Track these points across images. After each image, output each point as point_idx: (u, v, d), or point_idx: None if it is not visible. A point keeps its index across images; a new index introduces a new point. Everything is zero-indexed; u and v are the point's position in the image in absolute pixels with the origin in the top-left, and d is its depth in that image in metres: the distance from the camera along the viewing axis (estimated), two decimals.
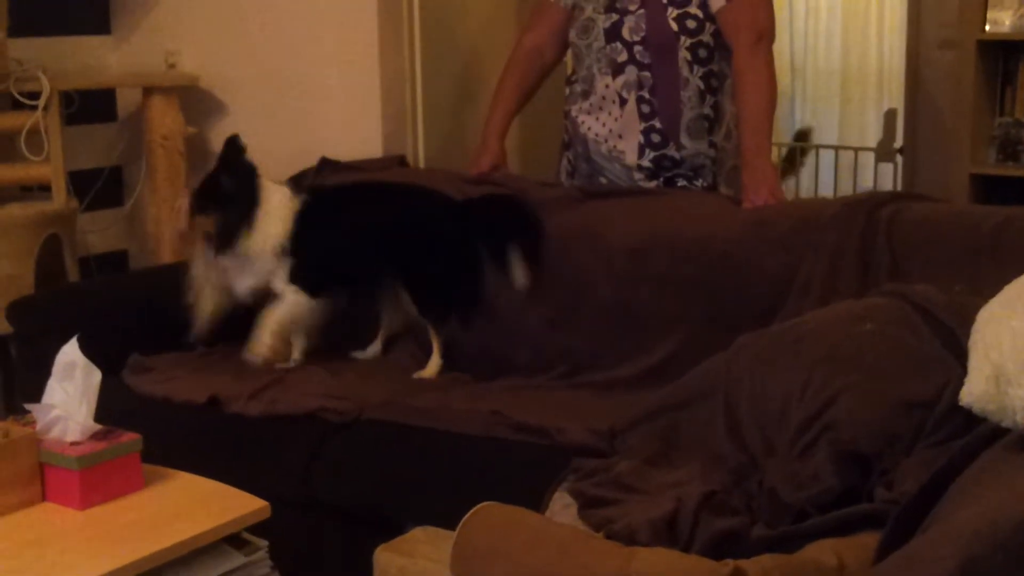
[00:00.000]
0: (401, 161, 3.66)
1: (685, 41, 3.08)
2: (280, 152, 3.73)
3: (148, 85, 3.81)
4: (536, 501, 2.23)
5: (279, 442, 2.71)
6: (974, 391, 1.37)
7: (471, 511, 1.84)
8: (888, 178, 5.33)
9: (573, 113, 3.24)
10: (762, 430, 2.20)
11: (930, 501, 1.50)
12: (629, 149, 3.15)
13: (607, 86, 3.14)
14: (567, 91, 3.29)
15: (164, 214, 3.79)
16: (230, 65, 3.86)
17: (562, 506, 2.24)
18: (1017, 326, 1.36)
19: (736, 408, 2.25)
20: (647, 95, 3.10)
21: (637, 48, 3.09)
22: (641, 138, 3.12)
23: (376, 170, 3.53)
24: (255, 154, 3.82)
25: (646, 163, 3.13)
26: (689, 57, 3.08)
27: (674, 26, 3.07)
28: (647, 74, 3.09)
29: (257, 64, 3.82)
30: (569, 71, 3.34)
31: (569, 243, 3.06)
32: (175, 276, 3.49)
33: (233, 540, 2.15)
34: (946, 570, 1.17)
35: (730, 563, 1.65)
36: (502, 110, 3.38)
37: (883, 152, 5.22)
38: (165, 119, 3.79)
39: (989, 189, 4.16)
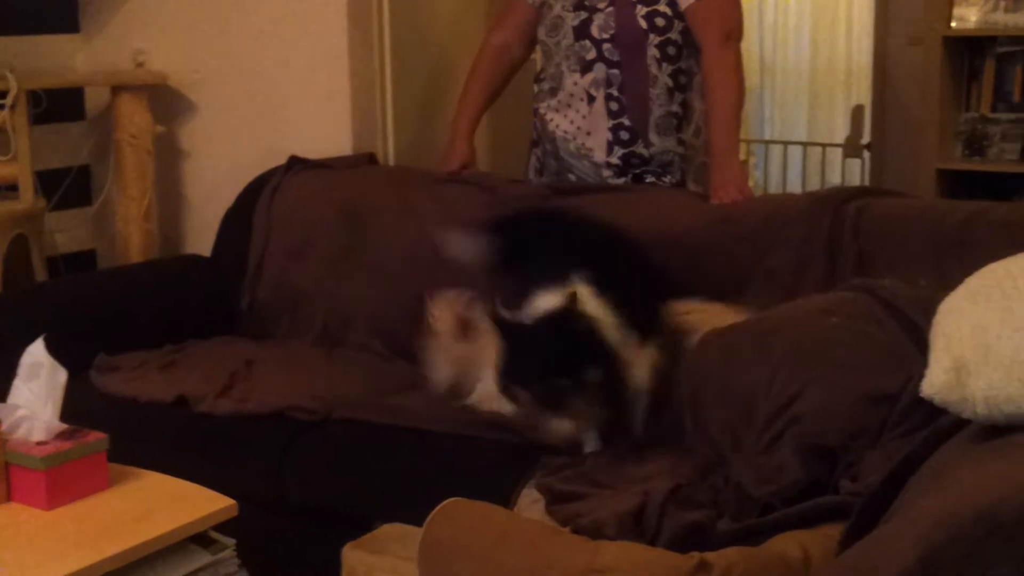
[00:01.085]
0: (371, 159, 3.65)
1: (654, 39, 3.08)
2: (249, 150, 3.73)
3: (116, 84, 3.79)
4: (505, 497, 2.24)
5: (248, 441, 2.71)
6: (935, 383, 1.38)
7: (438, 507, 1.84)
8: (856, 174, 5.36)
9: (541, 111, 3.24)
10: (728, 424, 2.21)
11: (892, 492, 1.51)
12: (598, 146, 3.15)
13: (575, 83, 3.14)
14: (535, 89, 3.30)
15: (132, 213, 3.78)
16: (199, 63, 3.85)
17: (530, 502, 2.24)
18: (977, 318, 1.37)
19: (702, 403, 2.26)
20: (616, 93, 3.11)
21: (606, 46, 3.09)
22: (610, 135, 3.13)
23: (346, 168, 3.53)
24: (223, 153, 3.84)
25: (615, 160, 3.14)
26: (658, 55, 3.09)
27: (643, 24, 3.08)
28: (616, 72, 3.10)
29: (226, 62, 3.80)
30: (537, 69, 3.35)
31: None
32: (143, 275, 3.50)
33: (200, 539, 2.14)
34: (906, 560, 1.18)
35: (696, 556, 1.65)
36: (470, 108, 3.38)
37: (851, 148, 5.24)
38: (134, 118, 3.77)
39: (956, 184, 4.20)
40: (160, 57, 3.89)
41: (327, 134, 3.64)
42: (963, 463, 1.37)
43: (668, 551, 1.75)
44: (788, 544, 1.80)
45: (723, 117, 3.04)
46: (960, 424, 1.46)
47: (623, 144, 3.12)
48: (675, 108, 3.13)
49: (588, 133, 3.15)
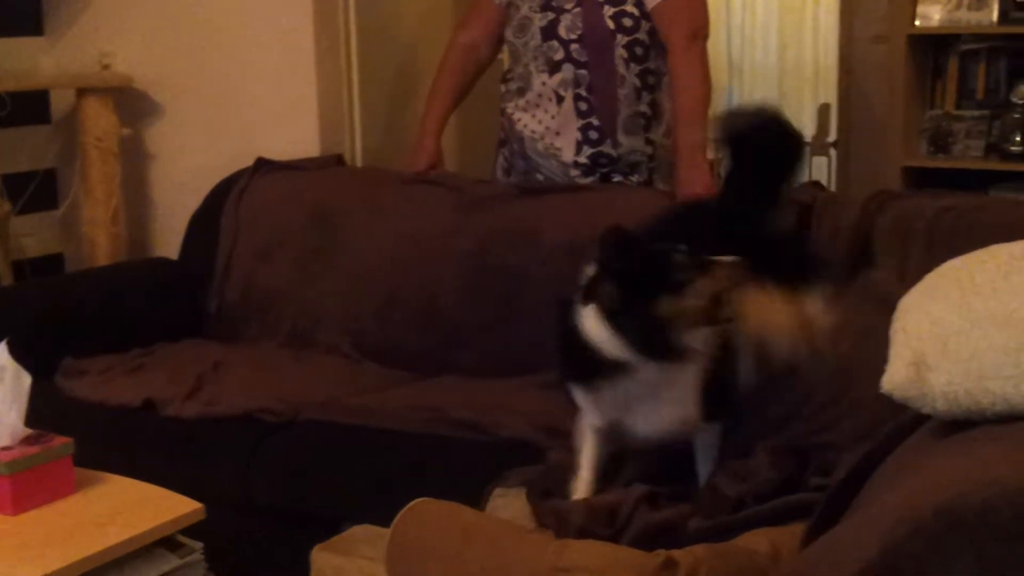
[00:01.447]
0: (339, 160, 3.65)
1: (621, 39, 3.09)
2: (216, 152, 3.72)
3: (82, 86, 3.77)
4: (474, 497, 2.23)
5: (215, 443, 2.70)
6: (894, 379, 1.39)
7: (405, 508, 1.84)
8: (823, 171, 5.39)
9: (509, 110, 3.25)
10: None
11: (856, 488, 1.52)
12: (566, 146, 3.15)
13: (544, 84, 3.15)
14: (502, 89, 3.30)
15: (99, 216, 3.76)
16: (165, 65, 3.83)
17: (503, 503, 2.24)
18: (936, 314, 1.38)
19: None
20: (584, 93, 3.11)
21: (574, 46, 3.10)
22: (578, 135, 3.14)
23: (314, 169, 3.52)
24: (190, 155, 3.82)
25: (583, 159, 3.15)
26: (625, 55, 3.10)
27: (610, 24, 3.09)
28: (584, 72, 3.11)
29: (192, 64, 3.79)
30: (504, 69, 3.35)
31: (506, 240, 3.07)
32: (110, 279, 3.49)
33: (168, 543, 2.14)
34: (868, 555, 1.19)
35: (662, 553, 1.66)
36: (437, 109, 3.38)
37: (817, 146, 5.27)
38: (99, 120, 3.74)
39: (921, 181, 4.22)
40: (126, 59, 3.87)
41: (294, 135, 3.64)
42: (923, 458, 1.38)
43: (634, 549, 1.75)
44: (757, 540, 1.81)
45: (690, 115, 3.05)
46: (921, 420, 1.47)
47: (592, 144, 3.13)
48: (643, 108, 3.14)
49: (557, 133, 3.16)
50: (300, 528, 2.47)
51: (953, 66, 4.28)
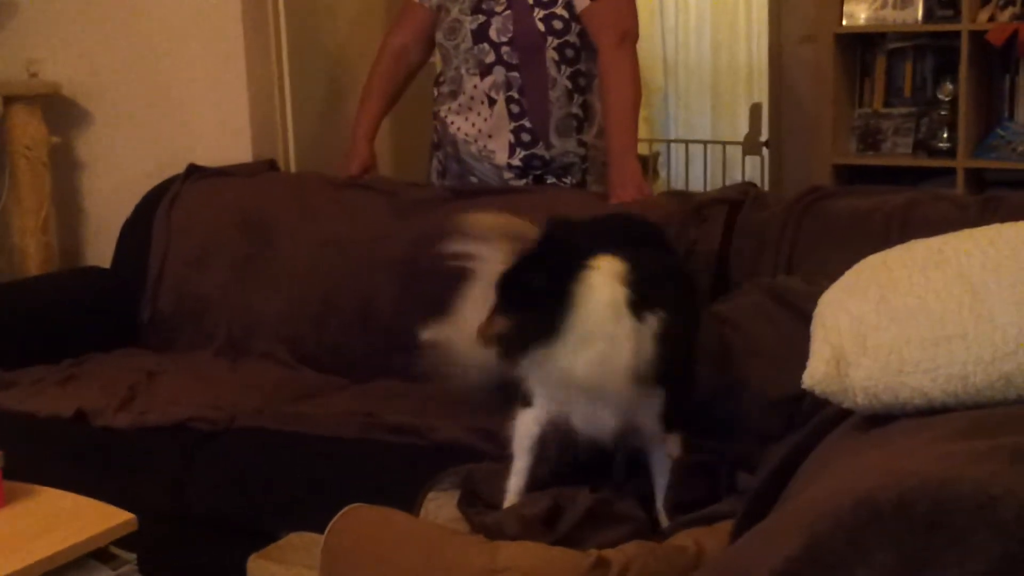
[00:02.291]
0: (271, 166, 3.63)
1: (552, 41, 3.11)
2: (147, 159, 3.69)
3: (9, 94, 3.72)
4: (409, 502, 2.23)
5: (149, 453, 2.67)
6: (815, 374, 1.41)
7: (339, 514, 1.84)
8: (756, 170, 5.45)
9: (442, 114, 3.25)
10: None
11: (781, 484, 1.54)
12: (499, 148, 3.16)
13: (475, 87, 3.16)
14: (435, 92, 3.30)
15: (29, 225, 3.71)
16: (94, 72, 3.79)
17: (436, 507, 2.24)
18: (855, 309, 1.40)
19: None
20: (516, 95, 3.13)
21: (504, 49, 3.11)
22: (511, 137, 3.15)
23: (246, 175, 3.50)
24: (120, 162, 3.79)
25: (516, 162, 3.16)
26: (556, 57, 3.11)
27: (541, 26, 3.10)
28: (515, 74, 3.12)
29: (122, 71, 3.75)
30: (437, 72, 3.35)
31: (440, 244, 3.06)
32: (41, 289, 3.44)
33: (100, 554, 2.11)
34: (791, 548, 1.20)
35: (593, 553, 1.68)
36: (370, 112, 3.38)
37: (750, 145, 5.32)
38: (28, 129, 3.70)
39: (851, 178, 4.28)
40: (54, 67, 3.83)
41: (226, 141, 3.62)
42: (844, 452, 1.40)
43: (566, 549, 1.76)
44: (685, 539, 1.83)
45: (620, 118, 3.07)
46: (843, 414, 1.50)
47: (524, 146, 3.14)
48: (575, 110, 3.16)
49: (490, 136, 3.17)
50: (236, 537, 2.46)
51: (880, 65, 4.34)
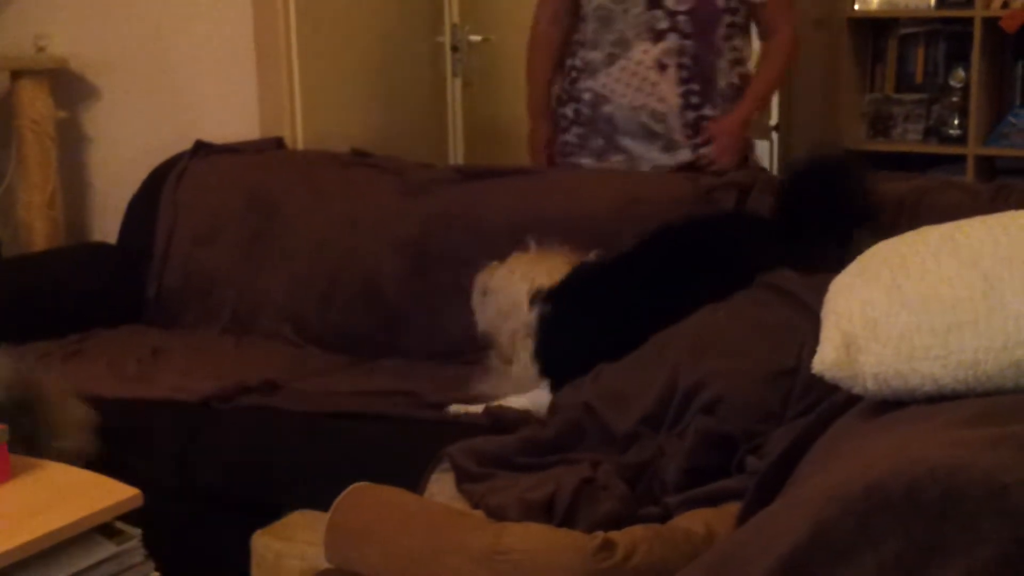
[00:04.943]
0: (279, 143, 3.62)
1: (726, 19, 3.18)
2: (154, 136, 3.68)
3: (16, 68, 3.71)
4: (414, 481, 2.23)
5: (155, 429, 2.68)
6: (825, 360, 1.40)
7: (343, 492, 1.84)
8: (765, 155, 5.42)
9: (586, 83, 3.22)
10: (635, 424, 2.22)
11: (788, 468, 1.54)
12: (670, 111, 3.19)
13: (645, 51, 3.14)
14: (576, 63, 3.25)
15: (36, 200, 3.71)
16: (101, 47, 3.78)
17: (439, 488, 2.24)
18: (866, 295, 1.39)
19: (602, 410, 2.26)
20: (688, 62, 3.15)
21: (680, 17, 3.13)
22: (681, 100, 3.18)
23: (253, 152, 3.50)
24: (128, 138, 3.78)
25: (689, 120, 3.19)
26: (724, 33, 3.18)
27: (722, 3, 3.17)
28: (689, 42, 3.14)
29: (129, 46, 3.74)
30: (578, 39, 3.26)
31: (448, 224, 3.06)
32: (47, 264, 3.44)
33: (105, 529, 2.11)
34: (798, 533, 1.20)
35: (600, 535, 1.67)
36: (541, 88, 3.36)
37: (759, 130, 5.29)
38: (35, 103, 3.69)
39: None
40: (61, 41, 3.82)
41: (234, 118, 3.61)
42: (854, 438, 1.39)
43: (572, 531, 1.76)
44: (693, 521, 1.82)
45: (761, 90, 3.30)
46: (852, 400, 1.49)
47: (694, 108, 3.19)
48: (735, 80, 3.24)
49: (660, 99, 3.17)
50: (240, 514, 2.46)
51: (892, 50, 4.33)
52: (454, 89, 4.01)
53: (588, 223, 2.87)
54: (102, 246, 3.62)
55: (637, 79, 3.17)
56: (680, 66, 3.15)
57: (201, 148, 3.51)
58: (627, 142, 3.20)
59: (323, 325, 3.17)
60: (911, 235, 1.48)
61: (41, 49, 3.83)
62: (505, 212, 3.00)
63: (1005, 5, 4.00)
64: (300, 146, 3.70)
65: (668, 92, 3.17)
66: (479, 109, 4.12)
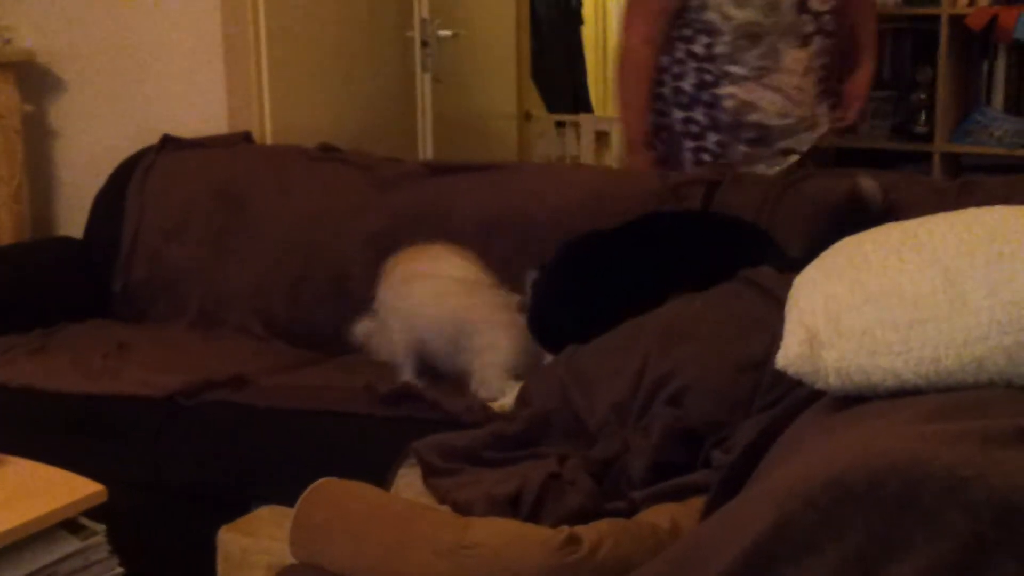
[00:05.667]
0: (247, 138, 3.60)
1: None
2: (121, 129, 3.66)
3: None
4: (381, 476, 2.23)
5: (121, 424, 2.67)
6: (788, 355, 1.41)
7: (309, 487, 1.83)
8: None
9: (734, 89, 3.12)
10: (606, 410, 2.23)
11: (753, 463, 1.55)
12: (820, 114, 3.21)
13: (794, 59, 3.12)
14: (710, 77, 3.14)
15: (1, 195, 3.68)
16: (68, 40, 3.76)
17: (406, 483, 2.24)
18: (829, 290, 1.40)
19: (574, 396, 2.27)
20: (828, 61, 3.17)
21: (825, 18, 3.13)
22: (831, 100, 3.23)
23: (221, 147, 3.48)
24: (95, 132, 3.76)
25: (820, 103, 3.20)
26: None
27: None
28: (830, 41, 3.15)
29: (96, 39, 3.72)
30: (718, 54, 3.13)
31: (416, 219, 3.06)
32: (13, 258, 3.42)
33: (69, 525, 2.11)
34: (762, 526, 1.21)
35: (565, 529, 1.67)
36: (639, 115, 3.21)
37: None
38: (0, 96, 3.66)
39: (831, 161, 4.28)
40: (28, 34, 3.79)
41: (201, 112, 3.59)
42: (816, 433, 1.40)
43: (538, 525, 1.76)
44: (658, 515, 1.83)
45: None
46: (816, 395, 1.50)
47: (827, 94, 3.22)
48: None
49: (805, 103, 3.16)
50: (207, 509, 2.46)
51: None
52: (423, 84, 4.00)
53: (556, 218, 2.88)
54: (68, 240, 3.60)
55: (787, 87, 3.13)
56: (822, 67, 3.17)
57: (168, 142, 3.49)
58: (780, 145, 3.18)
59: (291, 320, 3.17)
60: (874, 231, 1.50)
61: (7, 41, 3.80)
62: (474, 207, 3.00)
63: (971, 3, 4.02)
64: (268, 140, 3.69)
65: (811, 91, 3.17)
66: (448, 104, 4.11)
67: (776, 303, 2.16)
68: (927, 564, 1.11)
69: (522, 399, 2.40)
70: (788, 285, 2.11)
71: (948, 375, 1.32)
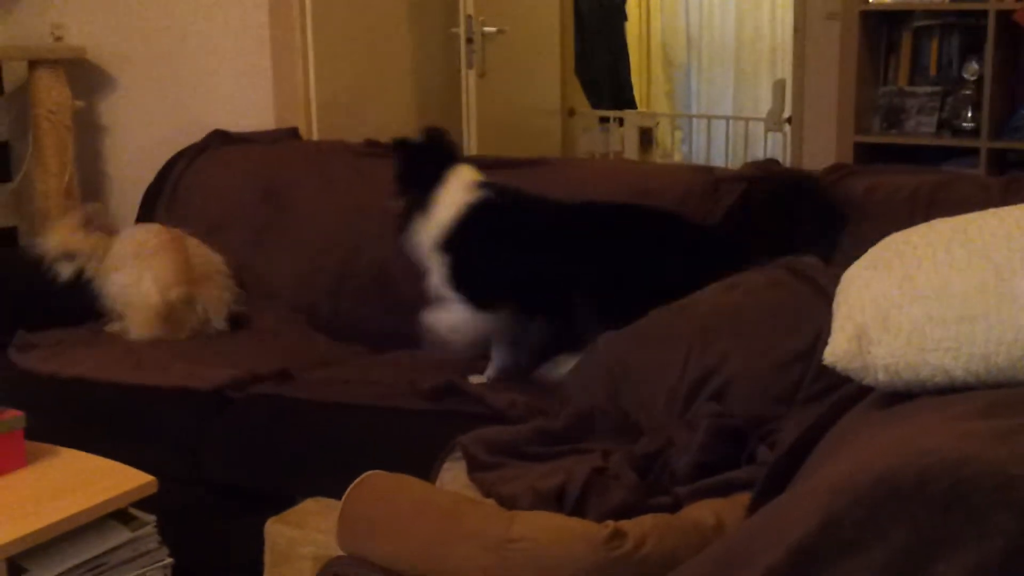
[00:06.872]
0: (294, 133, 3.63)
1: None
2: (170, 125, 3.70)
3: (33, 58, 3.74)
4: (426, 469, 2.24)
5: (167, 416, 2.69)
6: (836, 351, 1.41)
7: (356, 481, 1.84)
8: (779, 147, 5.42)
9: None
10: (646, 404, 2.23)
11: (799, 459, 1.54)
12: None
13: None
14: None
15: (53, 189, 3.73)
16: (118, 37, 3.80)
17: (451, 477, 2.25)
18: (878, 286, 1.40)
19: (618, 387, 2.27)
20: None
21: None
22: None
23: (268, 143, 3.51)
24: (144, 128, 3.80)
25: None
26: None
27: None
28: None
29: (146, 36, 3.76)
30: None
31: None
32: None
33: (120, 515, 2.13)
34: (809, 524, 1.21)
35: (610, 524, 1.68)
36: None
37: (772, 122, 5.29)
38: (51, 93, 3.71)
39: (873, 156, 4.26)
40: (78, 31, 3.84)
41: (249, 108, 3.62)
42: (864, 429, 1.40)
43: (584, 520, 1.77)
44: (703, 512, 1.83)
45: None
46: (864, 391, 1.49)
47: None
48: None
49: None
50: (253, 501, 2.48)
51: (906, 42, 4.31)
52: (468, 80, 4.01)
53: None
54: None
55: None
56: None
57: (217, 137, 3.52)
58: None
59: (333, 314, 3.19)
60: (923, 227, 1.49)
61: (58, 39, 3.85)
62: None
63: None
64: (315, 136, 3.72)
65: None
66: (493, 100, 4.12)
67: (818, 291, 2.16)
68: (975, 563, 1.10)
69: (562, 394, 2.40)
70: (831, 275, 2.12)
71: (998, 372, 1.31)
